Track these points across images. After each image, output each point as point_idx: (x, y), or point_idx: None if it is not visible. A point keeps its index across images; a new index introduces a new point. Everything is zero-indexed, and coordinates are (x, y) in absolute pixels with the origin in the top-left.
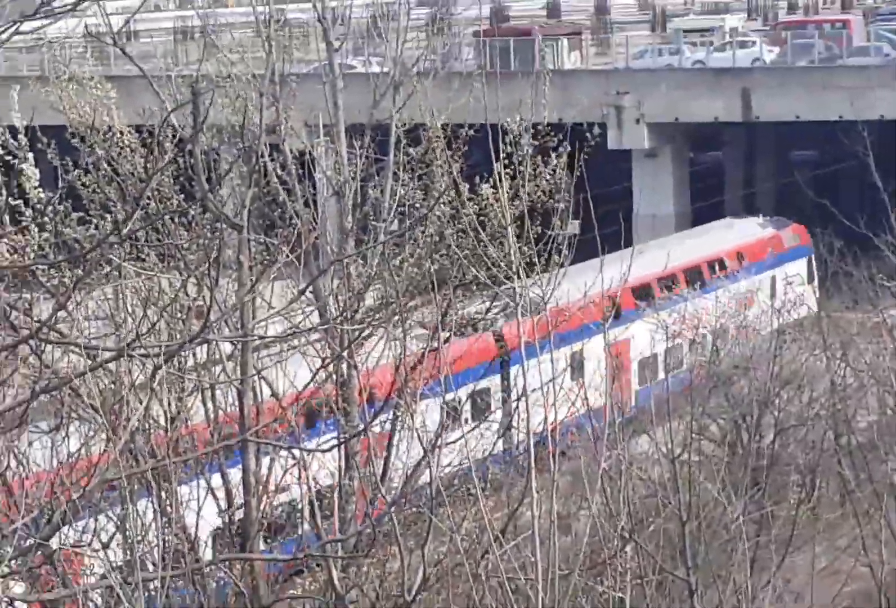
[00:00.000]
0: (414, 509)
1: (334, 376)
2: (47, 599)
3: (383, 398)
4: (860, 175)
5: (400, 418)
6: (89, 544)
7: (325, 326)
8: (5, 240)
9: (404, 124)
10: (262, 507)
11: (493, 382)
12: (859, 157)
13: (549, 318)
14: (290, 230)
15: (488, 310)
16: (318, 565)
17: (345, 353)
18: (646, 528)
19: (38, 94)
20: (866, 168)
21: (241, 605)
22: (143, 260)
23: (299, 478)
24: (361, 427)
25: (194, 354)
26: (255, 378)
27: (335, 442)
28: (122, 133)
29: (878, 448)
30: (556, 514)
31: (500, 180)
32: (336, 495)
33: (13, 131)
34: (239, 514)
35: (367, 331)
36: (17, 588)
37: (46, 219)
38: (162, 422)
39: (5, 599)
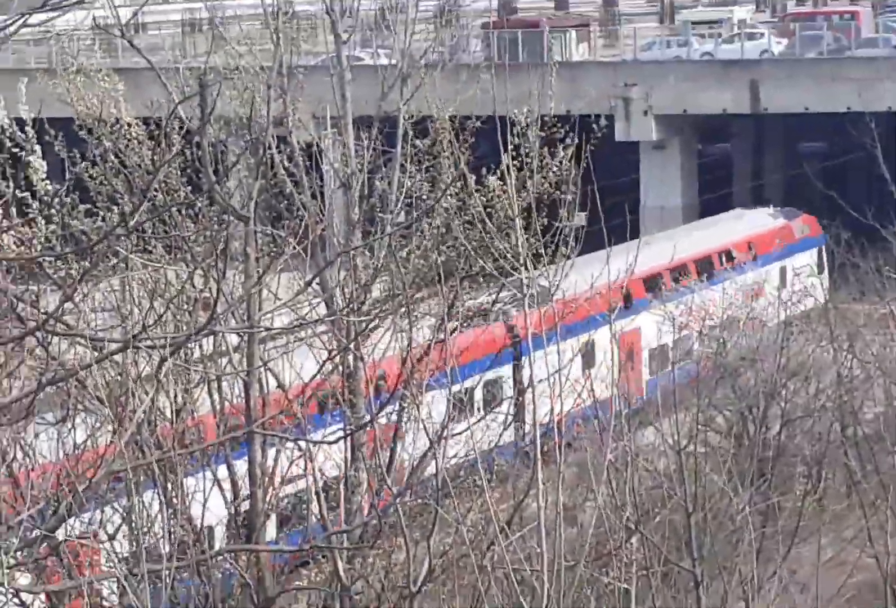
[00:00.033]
0: (420, 501)
1: (341, 368)
2: (53, 591)
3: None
4: (868, 167)
5: (406, 410)
6: (95, 536)
7: (332, 318)
8: (12, 232)
9: (412, 116)
10: (268, 499)
11: (506, 372)
12: (867, 149)
13: (559, 309)
14: (296, 222)
15: (495, 301)
16: (323, 556)
17: (351, 345)
18: (651, 520)
19: (45, 87)
20: (874, 160)
21: (247, 596)
22: (150, 252)
23: (305, 469)
24: (368, 418)
25: (201, 346)
26: (262, 370)
27: (342, 433)
28: (129, 125)
29: (884, 439)
30: (562, 506)
31: (508, 170)
32: (342, 487)
33: (21, 123)
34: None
35: (373, 323)
36: (23, 579)
37: (53, 211)
38: (168, 413)
39: (11, 591)
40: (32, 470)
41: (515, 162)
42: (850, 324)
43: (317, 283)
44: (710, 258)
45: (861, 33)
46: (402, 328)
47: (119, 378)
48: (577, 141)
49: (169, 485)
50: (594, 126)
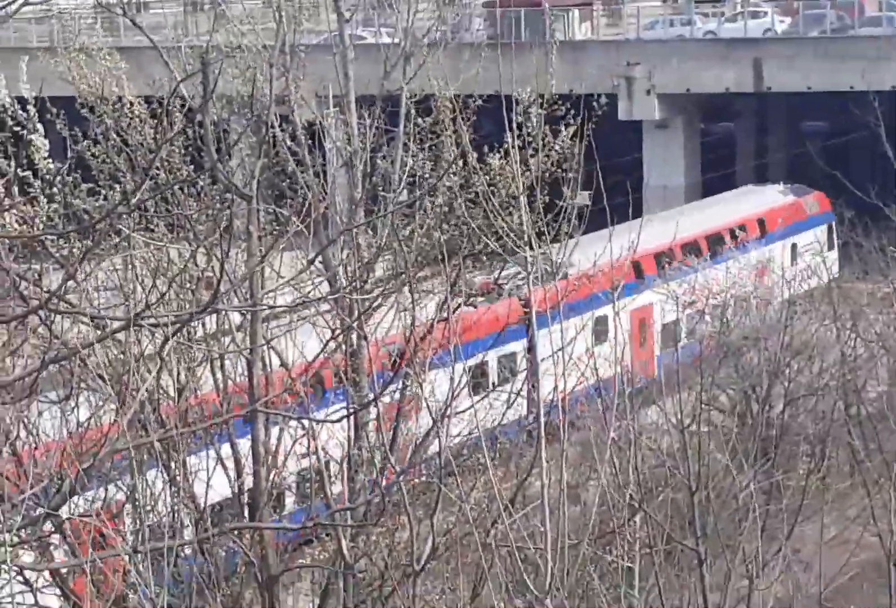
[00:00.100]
0: (423, 479)
1: (344, 347)
2: (56, 568)
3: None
4: (871, 146)
5: (409, 388)
6: (98, 514)
7: (335, 296)
8: (14, 210)
9: (414, 95)
10: (271, 477)
11: (520, 346)
12: (870, 128)
13: (570, 285)
14: (299, 200)
15: (497, 276)
16: (327, 535)
17: (354, 324)
18: (655, 498)
19: (47, 65)
20: (877, 139)
21: (251, 575)
22: (153, 230)
23: (308, 448)
24: (371, 397)
25: (204, 325)
26: (265, 349)
27: (345, 412)
28: (131, 104)
29: (887, 418)
30: (566, 484)
31: (513, 145)
32: (345, 465)
33: (22, 102)
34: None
35: (376, 302)
36: (27, 557)
37: (55, 190)
38: (171, 392)
39: (15, 568)
40: (36, 448)
41: (518, 141)
42: (854, 303)
43: (320, 262)
44: (721, 234)
45: (864, 12)
46: (405, 307)
47: (122, 356)
48: (579, 119)
49: (172, 464)
50: (595, 104)
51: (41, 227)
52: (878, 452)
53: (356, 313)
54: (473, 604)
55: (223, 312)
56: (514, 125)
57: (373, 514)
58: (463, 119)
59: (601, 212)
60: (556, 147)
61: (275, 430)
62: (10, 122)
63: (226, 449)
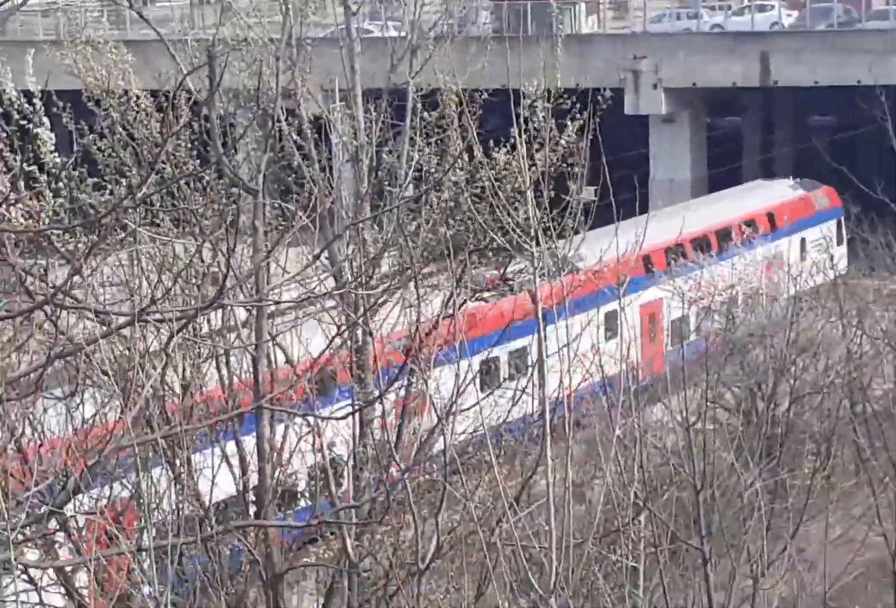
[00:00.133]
0: (428, 477)
1: (349, 343)
2: (60, 567)
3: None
4: (878, 140)
5: (414, 385)
6: (103, 512)
7: (341, 291)
8: (20, 205)
9: (421, 89)
10: (276, 475)
11: (530, 341)
12: (878, 123)
13: (578, 279)
14: (305, 195)
15: (503, 273)
16: (332, 533)
17: (360, 320)
18: (660, 497)
19: (53, 59)
20: (884, 133)
21: (255, 573)
22: (158, 225)
23: (314, 445)
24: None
25: (209, 321)
26: (270, 345)
27: (350, 409)
28: (137, 97)
29: (893, 416)
30: (571, 482)
31: (520, 137)
32: (350, 463)
33: (28, 96)
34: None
35: (382, 297)
36: (31, 555)
37: (61, 184)
38: (177, 389)
39: (19, 566)
40: (41, 445)
41: (524, 135)
42: (860, 300)
43: (325, 258)
44: (730, 229)
45: (872, 5)
46: (411, 302)
47: (127, 353)
48: (585, 113)
49: (177, 461)
50: (599, 98)
51: (47, 221)
52: (884, 451)
53: (362, 309)
54: (478, 603)
55: (228, 309)
56: (521, 119)
57: (377, 512)
58: (469, 113)
59: (608, 207)
60: (562, 142)
61: (280, 428)
62: (16, 116)
63: (231, 447)
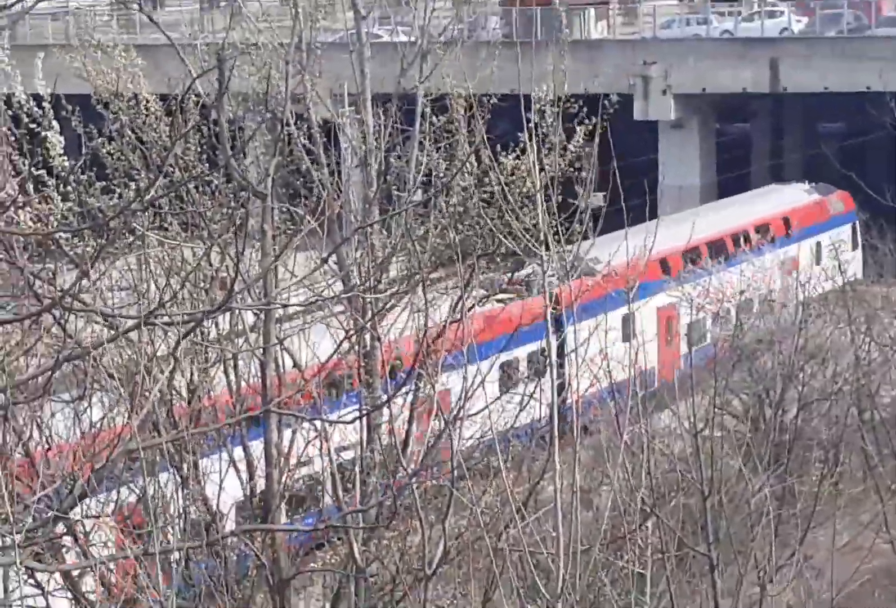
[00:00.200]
0: (434, 482)
1: (357, 347)
2: (67, 570)
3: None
4: (888, 147)
5: (421, 389)
6: (111, 516)
7: (349, 295)
8: (28, 208)
9: (430, 94)
10: (283, 480)
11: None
12: (887, 129)
13: (596, 282)
14: (314, 199)
15: (518, 275)
16: (339, 538)
17: (368, 324)
18: (667, 503)
19: (62, 62)
20: (894, 140)
21: (262, 578)
22: (167, 229)
23: (321, 450)
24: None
25: (217, 325)
26: (278, 349)
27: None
28: (147, 100)
29: None
30: (579, 488)
31: (530, 140)
32: (357, 467)
33: (38, 99)
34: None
35: (390, 302)
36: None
37: (70, 188)
38: (184, 393)
39: (26, 570)
40: (49, 449)
41: (532, 143)
42: (868, 307)
43: (334, 262)
44: (746, 233)
45: (882, 12)
46: (419, 307)
47: (135, 357)
48: (594, 118)
49: (184, 466)
50: (605, 102)
51: (55, 225)
52: (892, 458)
53: (370, 313)
54: None
55: (237, 312)
56: (532, 123)
57: (384, 517)
58: (479, 116)
59: (617, 212)
60: (570, 147)
61: (287, 432)
62: (26, 119)
63: (238, 452)
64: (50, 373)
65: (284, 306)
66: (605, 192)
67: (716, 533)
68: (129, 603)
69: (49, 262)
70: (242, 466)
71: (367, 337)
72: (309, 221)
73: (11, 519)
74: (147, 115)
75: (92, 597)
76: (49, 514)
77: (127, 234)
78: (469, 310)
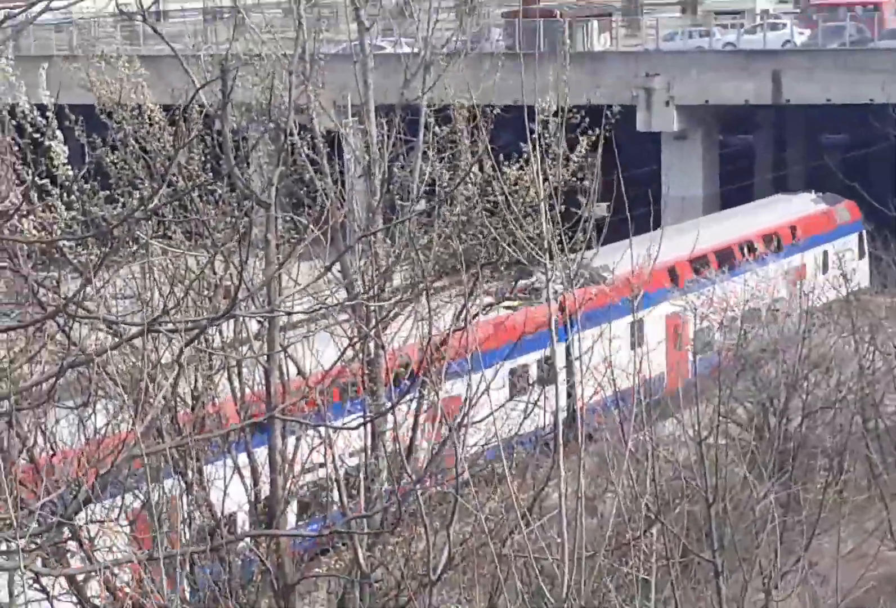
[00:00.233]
0: (439, 488)
1: (361, 355)
2: (70, 574)
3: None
4: (891, 158)
5: (426, 397)
6: (115, 521)
7: (353, 303)
8: (32, 217)
9: (433, 104)
10: (287, 486)
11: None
12: (890, 141)
13: (602, 290)
14: (317, 208)
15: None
16: (343, 544)
17: (372, 332)
18: (672, 510)
19: (67, 73)
20: None
21: (266, 583)
22: (170, 238)
23: (325, 456)
24: (388, 405)
25: (221, 333)
26: (282, 357)
27: (362, 420)
28: (150, 110)
29: None
30: (583, 495)
31: (533, 150)
32: (362, 474)
33: (42, 109)
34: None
35: (394, 311)
36: (41, 562)
37: (74, 197)
38: (188, 400)
39: (31, 575)
40: (53, 455)
41: (536, 152)
42: (872, 316)
43: (338, 271)
44: (754, 242)
45: (885, 24)
46: (423, 316)
47: (139, 364)
48: (597, 129)
49: (189, 472)
50: (607, 113)
51: (59, 233)
52: None
53: (374, 321)
54: None
55: (241, 322)
56: (535, 134)
57: (389, 523)
58: (482, 127)
59: (621, 222)
60: (572, 157)
61: (291, 440)
62: (30, 129)
63: (243, 459)
64: (54, 379)
65: (288, 313)
66: (609, 202)
67: (720, 539)
68: None
69: (53, 270)
70: (247, 473)
71: (371, 345)
72: (312, 230)
73: (15, 523)
74: (151, 125)
75: (97, 601)
76: (53, 520)
77: (131, 243)
78: (473, 317)
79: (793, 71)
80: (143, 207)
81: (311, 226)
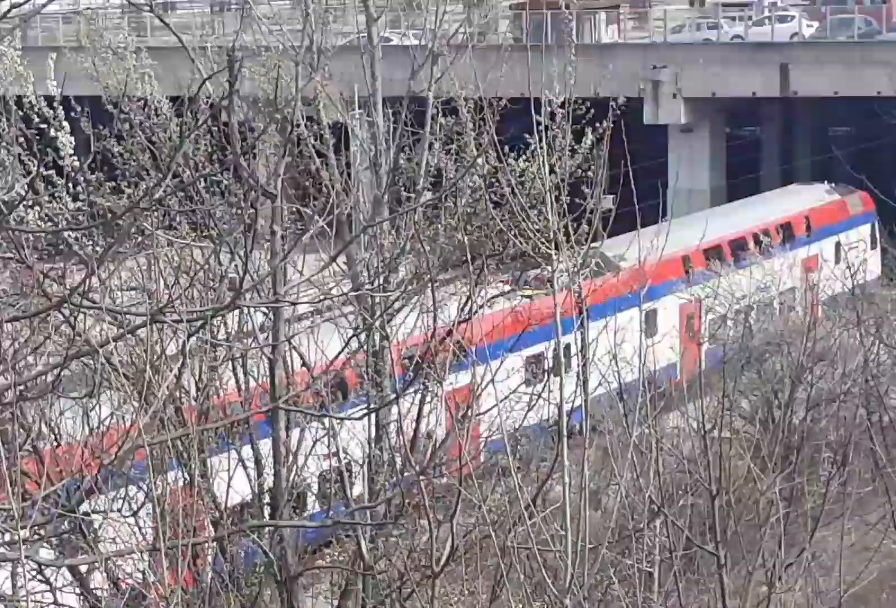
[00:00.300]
0: (443, 479)
1: (366, 346)
2: (74, 565)
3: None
4: None
5: (429, 388)
6: (119, 512)
7: (358, 293)
8: (38, 207)
9: (441, 96)
10: (291, 477)
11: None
12: None
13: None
14: (323, 199)
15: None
16: (346, 536)
17: (377, 323)
18: (675, 503)
19: (73, 63)
20: None
21: (269, 575)
22: (176, 229)
23: (329, 447)
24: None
25: (225, 324)
26: (287, 348)
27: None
28: (158, 101)
29: None
30: (587, 487)
31: (540, 142)
32: (366, 465)
33: (49, 100)
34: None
35: (399, 302)
36: (45, 554)
37: (79, 188)
38: (193, 391)
39: (34, 567)
40: (57, 446)
41: (542, 144)
42: (877, 310)
43: (343, 262)
44: (768, 231)
45: (893, 17)
46: (428, 308)
47: (144, 355)
48: (604, 121)
49: (192, 463)
50: (613, 103)
51: (64, 224)
52: None
53: (378, 312)
54: (492, 606)
55: (245, 313)
56: (542, 126)
57: (392, 515)
58: (489, 118)
59: (626, 214)
60: (578, 149)
61: (296, 431)
62: (37, 120)
63: (247, 450)
64: (58, 370)
65: (293, 304)
66: (615, 194)
67: (724, 532)
68: (136, 599)
69: (58, 260)
70: (251, 464)
71: (377, 336)
72: (318, 221)
73: (17, 515)
74: (157, 116)
75: (100, 592)
76: (55, 510)
77: (136, 234)
78: (479, 309)
79: (800, 63)
80: (148, 197)
81: (317, 217)
